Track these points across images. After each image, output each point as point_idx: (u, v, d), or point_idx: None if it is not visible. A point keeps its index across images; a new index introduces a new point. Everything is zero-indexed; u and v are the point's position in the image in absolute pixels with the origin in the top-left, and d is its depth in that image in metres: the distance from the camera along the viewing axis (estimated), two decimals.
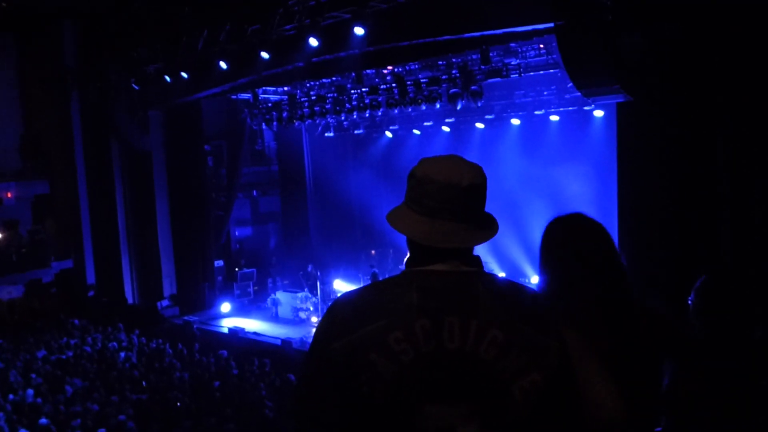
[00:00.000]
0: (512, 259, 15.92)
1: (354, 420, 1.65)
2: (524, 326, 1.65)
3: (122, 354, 14.66)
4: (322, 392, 1.66)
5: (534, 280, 15.29)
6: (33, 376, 12.72)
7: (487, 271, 1.76)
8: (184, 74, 16.15)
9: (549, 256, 2.13)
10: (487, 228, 1.75)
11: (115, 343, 15.53)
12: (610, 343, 1.94)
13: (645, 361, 2.06)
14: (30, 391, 11.66)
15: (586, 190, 14.88)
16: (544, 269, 2.16)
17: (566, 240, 2.12)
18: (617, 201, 9.72)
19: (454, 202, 1.68)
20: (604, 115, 14.44)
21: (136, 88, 17.97)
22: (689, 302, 3.31)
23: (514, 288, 1.78)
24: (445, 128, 18.51)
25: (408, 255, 1.78)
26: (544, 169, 16.02)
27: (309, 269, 17.12)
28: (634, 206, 9.30)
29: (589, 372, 1.73)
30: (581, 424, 1.76)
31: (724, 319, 3.15)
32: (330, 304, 1.75)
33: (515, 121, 16.75)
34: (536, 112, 15.93)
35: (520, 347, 1.62)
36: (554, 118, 15.93)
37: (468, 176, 1.70)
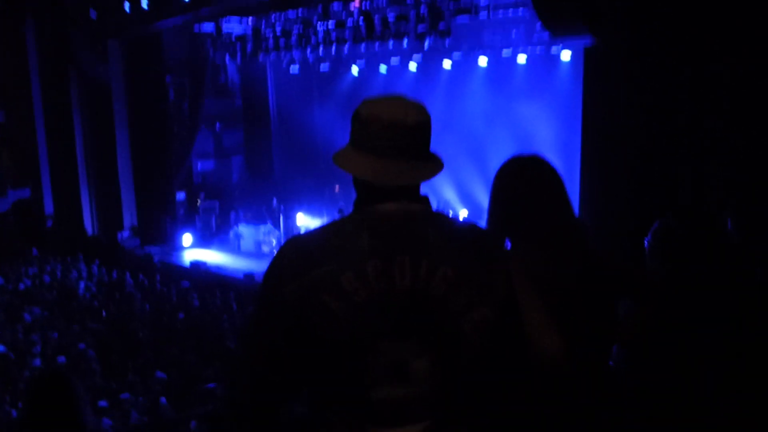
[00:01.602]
0: (475, 197, 16.05)
1: (307, 359, 1.68)
2: (473, 262, 1.69)
3: (82, 284, 14.60)
4: (274, 334, 1.68)
5: None
6: None
7: (435, 209, 1.79)
8: (143, 3, 15.70)
9: (499, 192, 2.18)
10: (433, 164, 1.77)
11: (74, 273, 15.45)
12: (552, 282, 1.99)
13: (592, 300, 2.12)
14: None
15: (552, 131, 14.99)
16: (493, 204, 2.21)
17: (518, 176, 2.16)
18: (581, 144, 9.81)
19: (400, 140, 1.69)
20: (571, 59, 14.45)
21: (94, 16, 17.42)
22: (645, 244, 3.41)
23: (462, 226, 1.84)
24: (412, 66, 18.34)
25: (356, 196, 1.80)
26: (510, 109, 16.05)
27: (273, 203, 17.07)
28: (596, 151, 9.39)
29: (530, 312, 1.79)
30: (528, 359, 1.82)
31: (678, 260, 3.25)
32: (280, 246, 1.77)
33: (482, 61, 16.67)
34: (504, 52, 15.85)
35: (470, 283, 1.67)
36: (521, 59, 15.89)
37: (413, 114, 1.70)
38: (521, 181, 2.15)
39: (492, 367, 1.76)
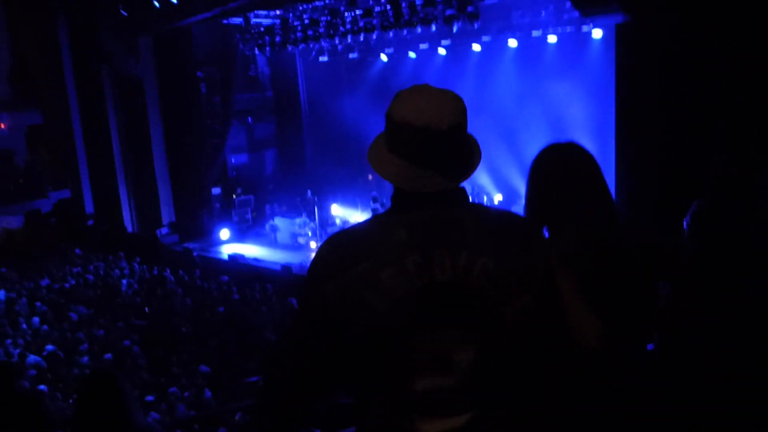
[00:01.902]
0: (509, 180, 15.97)
1: (350, 354, 1.69)
2: (512, 252, 1.69)
3: (124, 281, 14.86)
4: (316, 331, 1.69)
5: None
6: (38, 304, 12.92)
7: (472, 201, 1.78)
8: None
9: (536, 180, 2.17)
10: (470, 164, 1.74)
11: (117, 271, 15.73)
12: (590, 268, 1.98)
13: (631, 284, 2.10)
14: (36, 319, 11.88)
15: (584, 111, 14.80)
16: (530, 192, 2.19)
17: (555, 164, 2.15)
18: (615, 123, 9.70)
19: (435, 148, 1.66)
20: (603, 36, 14.24)
21: (125, 14, 17.61)
22: (684, 226, 3.36)
23: (500, 215, 1.81)
24: (441, 51, 18.24)
25: (392, 193, 1.78)
26: (541, 90, 15.86)
27: (308, 195, 17.16)
28: (630, 129, 9.29)
29: (571, 299, 1.79)
30: (569, 345, 1.82)
31: (719, 242, 3.20)
32: (319, 246, 1.77)
33: (512, 43, 16.51)
34: (534, 33, 15.67)
35: (510, 272, 1.66)
36: (552, 39, 15.69)
37: (448, 117, 1.66)
38: (558, 168, 2.13)
39: (533, 354, 1.76)
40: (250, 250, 17.20)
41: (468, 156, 1.75)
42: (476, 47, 17.40)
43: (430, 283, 1.64)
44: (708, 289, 2.28)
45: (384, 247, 1.65)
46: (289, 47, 17.95)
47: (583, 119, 14.81)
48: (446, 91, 1.72)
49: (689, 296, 2.22)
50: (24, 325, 11.69)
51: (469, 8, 13.61)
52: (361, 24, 15.64)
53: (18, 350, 10.39)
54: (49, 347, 10.34)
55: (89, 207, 20.81)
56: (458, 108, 1.69)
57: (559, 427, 1.91)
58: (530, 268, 1.70)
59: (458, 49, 17.82)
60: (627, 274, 2.09)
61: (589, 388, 1.95)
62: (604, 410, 1.98)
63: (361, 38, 16.57)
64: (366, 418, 1.76)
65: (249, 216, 19.34)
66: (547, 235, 2.08)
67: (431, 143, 1.65)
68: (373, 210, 15.46)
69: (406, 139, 1.67)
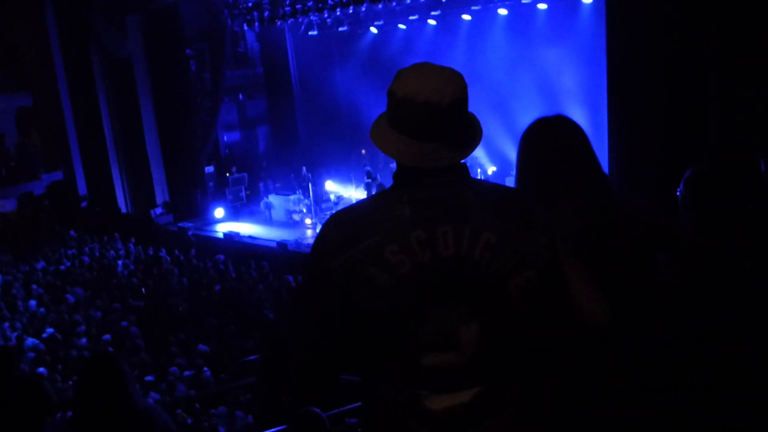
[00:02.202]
0: (502, 151, 15.93)
1: (356, 330, 1.70)
2: (515, 226, 1.70)
3: (120, 262, 14.87)
4: (322, 307, 1.70)
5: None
6: (34, 287, 12.93)
7: (473, 177, 1.78)
8: None
9: (526, 154, 2.16)
10: (471, 139, 1.76)
11: (112, 252, 15.72)
12: (587, 243, 1.98)
13: (627, 257, 2.10)
14: (32, 302, 11.89)
15: (576, 79, 14.75)
16: (520, 167, 2.19)
17: (545, 138, 2.14)
18: (607, 90, 9.66)
19: (437, 122, 1.67)
20: (593, 2, 14.15)
21: None
22: (678, 194, 3.36)
23: (502, 190, 1.83)
24: (431, 21, 18.11)
25: (395, 170, 1.79)
26: (532, 58, 15.78)
27: (303, 171, 17.11)
28: (623, 96, 9.25)
29: (574, 276, 1.78)
30: (571, 320, 1.82)
31: (712, 209, 3.21)
32: (323, 222, 1.78)
33: (502, 11, 16.39)
34: (523, 0, 15.56)
35: (513, 247, 1.68)
36: (542, 6, 15.58)
37: (449, 93, 1.67)
38: (548, 143, 2.13)
39: (538, 329, 1.77)
40: (245, 228, 17.18)
41: (470, 132, 1.76)
42: (466, 17, 17.28)
43: (435, 259, 1.65)
44: (704, 259, 2.29)
45: (388, 224, 1.66)
46: (278, 22, 17.79)
47: (576, 87, 14.76)
48: (447, 68, 1.74)
49: (685, 266, 2.22)
50: (21, 308, 11.70)
51: None
52: None
53: (15, 333, 10.41)
54: (47, 330, 10.37)
55: (82, 189, 20.74)
56: (459, 84, 1.71)
57: (565, 402, 1.92)
58: (533, 242, 1.71)
59: (448, 19, 17.69)
60: (622, 246, 2.09)
61: (591, 363, 1.96)
62: (608, 385, 1.99)
63: (350, 11, 16.44)
64: (372, 394, 1.78)
65: (243, 194, 19.30)
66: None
67: (433, 118, 1.67)
68: (367, 185, 15.42)
69: (408, 115, 1.69)
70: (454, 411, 1.69)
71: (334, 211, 1.83)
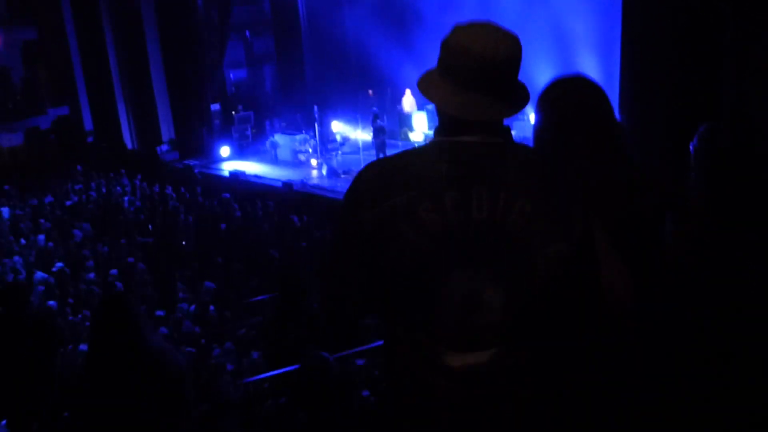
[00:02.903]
0: None
1: (383, 284, 1.73)
2: (551, 197, 1.69)
3: (126, 199, 14.95)
4: (352, 256, 1.73)
5: (533, 119, 15.22)
6: (42, 221, 13.05)
7: (516, 141, 1.77)
8: None
9: (545, 117, 2.12)
10: (519, 100, 1.74)
11: (118, 188, 15.79)
12: (611, 213, 1.96)
13: (647, 226, 2.07)
14: (41, 237, 12.02)
15: (588, 25, 14.52)
16: (539, 131, 2.14)
17: (563, 100, 2.09)
18: (621, 38, 9.52)
19: (488, 75, 1.65)
20: None
21: None
22: (691, 147, 3.35)
23: (542, 160, 1.82)
24: None
25: (437, 124, 1.77)
26: (547, 5, 15.49)
27: (314, 111, 16.96)
28: (636, 45, 9.13)
29: (605, 253, 1.78)
30: (600, 297, 1.81)
31: (725, 165, 3.21)
32: (359, 171, 1.78)
33: None
34: None
35: (547, 217, 1.67)
36: None
37: (503, 48, 1.66)
38: (567, 107, 2.08)
39: (565, 302, 1.76)
40: (251, 167, 17.18)
41: (518, 92, 1.75)
42: None
43: (467, 221, 1.65)
44: (714, 222, 2.30)
45: (423, 181, 1.66)
46: None
47: (588, 32, 14.53)
48: (505, 29, 1.72)
49: (694, 227, 2.23)
50: (24, 241, 11.84)
51: None
52: None
53: (25, 267, 10.56)
54: (57, 264, 10.50)
55: (88, 124, 20.69)
56: (516, 44, 1.69)
57: (582, 374, 1.95)
58: (567, 214, 1.70)
59: None
60: (638, 209, 2.06)
61: (615, 346, 1.96)
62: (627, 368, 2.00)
63: None
64: (394, 342, 1.81)
65: (249, 133, 19.22)
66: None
67: (486, 69, 1.65)
68: (375, 129, 15.31)
69: (460, 64, 1.67)
70: (471, 369, 1.72)
71: (371, 161, 1.84)
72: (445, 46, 1.71)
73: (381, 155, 15.00)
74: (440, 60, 1.73)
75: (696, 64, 8.27)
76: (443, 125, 1.74)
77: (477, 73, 1.65)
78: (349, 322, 1.90)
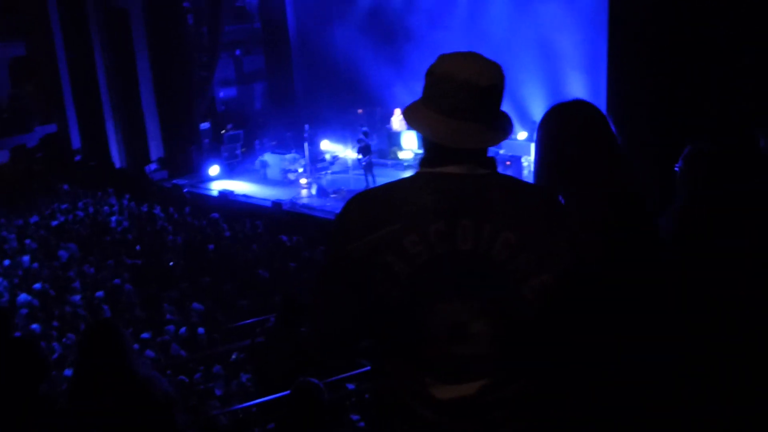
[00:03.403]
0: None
1: (371, 315, 1.72)
2: (537, 228, 1.69)
3: (113, 218, 14.82)
4: (340, 289, 1.72)
5: (520, 136, 15.29)
6: (27, 242, 12.89)
7: (501, 173, 1.77)
8: None
9: (545, 143, 2.09)
10: (503, 129, 1.76)
11: (106, 208, 15.67)
12: (605, 233, 1.92)
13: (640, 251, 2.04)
14: (26, 257, 11.86)
15: (576, 40, 14.59)
16: (540, 158, 2.11)
17: (564, 127, 2.06)
18: (607, 59, 9.57)
19: (472, 102, 1.67)
20: None
21: None
22: (676, 169, 3.34)
23: (528, 189, 1.82)
24: None
25: (422, 155, 1.78)
26: (533, 18, 15.55)
27: (305, 130, 16.95)
28: (623, 65, 9.17)
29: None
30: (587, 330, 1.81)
31: (710, 186, 3.19)
32: (345, 202, 1.78)
33: None
34: None
35: (532, 249, 1.67)
36: None
37: (487, 76, 1.68)
38: (568, 134, 2.04)
39: (552, 331, 1.77)
40: (240, 186, 17.12)
41: (502, 120, 1.77)
42: None
43: (452, 253, 1.66)
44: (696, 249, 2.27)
45: (409, 212, 1.67)
46: None
47: (575, 48, 14.61)
48: (489, 59, 1.75)
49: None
50: (8, 262, 11.68)
51: None
52: None
53: (9, 289, 10.41)
54: (38, 286, 10.35)
55: (76, 142, 20.58)
56: (499, 72, 1.72)
57: (572, 401, 1.92)
58: (553, 245, 1.70)
59: None
60: (635, 243, 2.02)
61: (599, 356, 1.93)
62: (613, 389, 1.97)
63: None
64: (382, 374, 1.81)
65: (238, 152, 19.18)
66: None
67: (469, 97, 1.67)
68: (360, 144, 15.27)
69: (445, 92, 1.69)
70: (459, 401, 1.71)
71: (349, 193, 1.83)
72: (430, 75, 1.74)
73: (368, 176, 15.02)
74: (425, 89, 1.76)
75: (682, 83, 8.32)
76: (428, 155, 1.76)
77: (461, 101, 1.67)
78: (340, 353, 1.87)
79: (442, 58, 1.73)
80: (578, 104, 2.09)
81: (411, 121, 1.76)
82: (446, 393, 1.71)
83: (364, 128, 16.14)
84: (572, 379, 1.90)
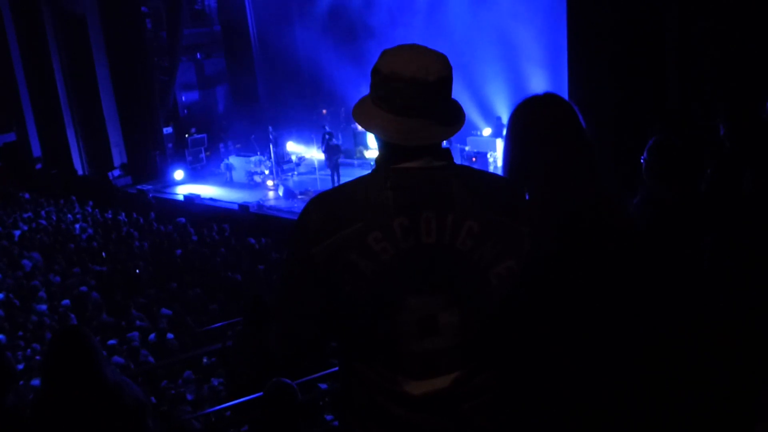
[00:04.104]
0: (469, 118, 15.91)
1: (337, 315, 1.72)
2: (498, 215, 1.70)
3: (77, 226, 14.62)
4: (304, 293, 1.71)
5: (485, 132, 15.40)
6: None
7: (457, 163, 1.78)
8: None
9: (514, 137, 2.09)
10: (456, 120, 1.75)
11: (69, 216, 15.44)
12: (567, 234, 1.93)
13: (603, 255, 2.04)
14: None
15: (536, 39, 14.72)
16: (510, 149, 2.12)
17: (534, 119, 2.07)
18: (567, 53, 9.68)
19: (422, 99, 1.66)
20: None
21: None
22: (642, 161, 3.41)
23: (486, 178, 1.83)
24: None
25: (378, 153, 1.77)
26: (493, 20, 15.66)
27: (269, 131, 16.89)
28: (583, 59, 9.29)
29: None
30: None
31: (674, 177, 3.27)
32: (304, 206, 1.76)
33: None
34: None
35: (495, 236, 1.68)
36: None
37: (434, 70, 1.66)
38: (538, 126, 2.05)
39: (518, 317, 1.79)
40: (206, 190, 17.01)
41: (454, 112, 1.76)
42: None
43: (417, 246, 1.65)
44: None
45: (371, 210, 1.65)
46: None
47: (535, 47, 14.74)
48: (433, 49, 1.72)
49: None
50: None
51: None
52: None
53: None
54: (3, 296, 10.18)
55: (36, 150, 20.28)
56: (445, 64, 1.70)
57: (543, 389, 1.94)
58: (515, 232, 1.72)
59: None
60: (599, 245, 2.03)
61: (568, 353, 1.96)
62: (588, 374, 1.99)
63: None
64: (350, 374, 1.79)
65: (203, 155, 19.06)
66: (528, 197, 2.02)
67: (419, 94, 1.65)
68: (329, 148, 15.27)
69: (394, 91, 1.67)
70: (433, 396, 1.71)
71: (314, 194, 1.82)
72: (376, 73, 1.71)
73: (335, 175, 15.01)
74: (372, 87, 1.73)
75: (641, 74, 8.45)
76: (384, 153, 1.74)
77: (411, 98, 1.65)
78: (306, 356, 1.86)
79: (386, 53, 1.71)
80: (548, 98, 2.10)
81: (362, 121, 1.74)
82: (419, 388, 1.70)
83: (326, 128, 16.15)
84: (539, 367, 1.93)
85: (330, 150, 15.15)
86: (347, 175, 14.84)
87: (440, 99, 1.70)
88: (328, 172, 15.33)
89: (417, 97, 1.65)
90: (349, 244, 1.64)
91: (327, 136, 15.39)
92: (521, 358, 1.89)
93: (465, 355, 1.72)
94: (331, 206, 1.71)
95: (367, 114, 1.73)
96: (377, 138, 1.76)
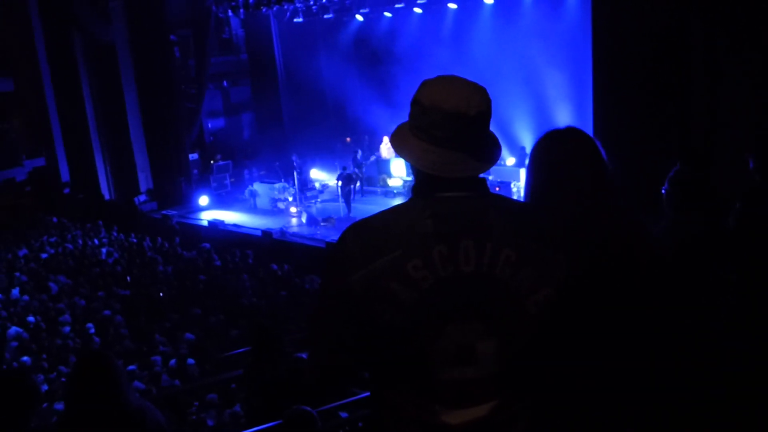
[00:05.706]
0: None
1: (373, 344, 1.71)
2: (535, 243, 1.70)
3: (104, 250, 14.77)
4: (340, 321, 1.71)
5: (509, 162, 15.42)
6: (17, 274, 12.82)
7: (493, 192, 1.79)
8: None
9: (536, 169, 2.11)
10: (492, 154, 1.76)
11: (95, 240, 15.61)
12: (593, 261, 1.95)
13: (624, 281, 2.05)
14: (15, 290, 11.79)
15: (562, 72, 14.76)
16: (531, 182, 2.14)
17: (556, 151, 2.08)
18: (592, 87, 9.67)
19: (462, 132, 1.67)
20: None
21: None
22: (663, 192, 3.40)
23: (522, 207, 1.87)
24: (417, 9, 18.05)
25: (413, 181, 1.78)
26: (517, 50, 15.74)
27: (293, 158, 17.04)
28: (608, 93, 9.28)
29: None
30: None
31: (694, 209, 3.26)
32: (341, 233, 1.76)
33: (488, 0, 16.39)
34: None
35: (533, 264, 1.68)
36: None
37: (475, 104, 1.67)
38: (560, 157, 2.07)
39: (555, 344, 1.78)
40: (230, 216, 17.12)
41: (491, 146, 1.77)
42: (452, 5, 17.27)
43: (455, 274, 1.65)
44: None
45: (410, 238, 1.65)
46: (263, 8, 17.69)
47: (561, 80, 14.77)
48: (473, 81, 1.74)
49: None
50: (3, 297, 11.62)
51: None
52: None
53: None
54: (30, 318, 10.29)
55: (65, 175, 20.58)
56: (485, 98, 1.71)
57: (578, 417, 1.94)
58: (552, 260, 1.71)
59: (434, 7, 17.66)
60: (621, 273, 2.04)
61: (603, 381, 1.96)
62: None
63: None
64: (382, 404, 1.78)
65: (227, 182, 19.24)
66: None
67: (459, 127, 1.67)
68: (343, 172, 15.41)
69: (434, 123, 1.68)
70: (472, 425, 1.70)
71: (353, 222, 1.79)
72: (416, 103, 1.72)
73: (347, 204, 15.15)
74: (411, 116, 1.74)
75: (667, 108, 8.41)
76: (421, 182, 1.75)
77: (450, 131, 1.67)
78: (339, 387, 1.85)
79: (426, 84, 1.72)
80: (570, 131, 2.12)
81: (400, 150, 1.75)
82: (457, 418, 1.69)
83: (360, 154, 16.32)
84: (575, 392, 1.93)
85: (344, 179, 15.27)
86: (371, 203, 14.92)
87: (479, 132, 1.71)
88: (352, 199, 15.45)
89: (457, 130, 1.67)
90: (388, 272, 1.64)
91: (346, 167, 15.55)
92: (555, 385, 1.89)
93: (501, 383, 1.71)
94: (370, 234, 1.71)
95: (406, 142, 1.74)
96: (412, 167, 1.76)
